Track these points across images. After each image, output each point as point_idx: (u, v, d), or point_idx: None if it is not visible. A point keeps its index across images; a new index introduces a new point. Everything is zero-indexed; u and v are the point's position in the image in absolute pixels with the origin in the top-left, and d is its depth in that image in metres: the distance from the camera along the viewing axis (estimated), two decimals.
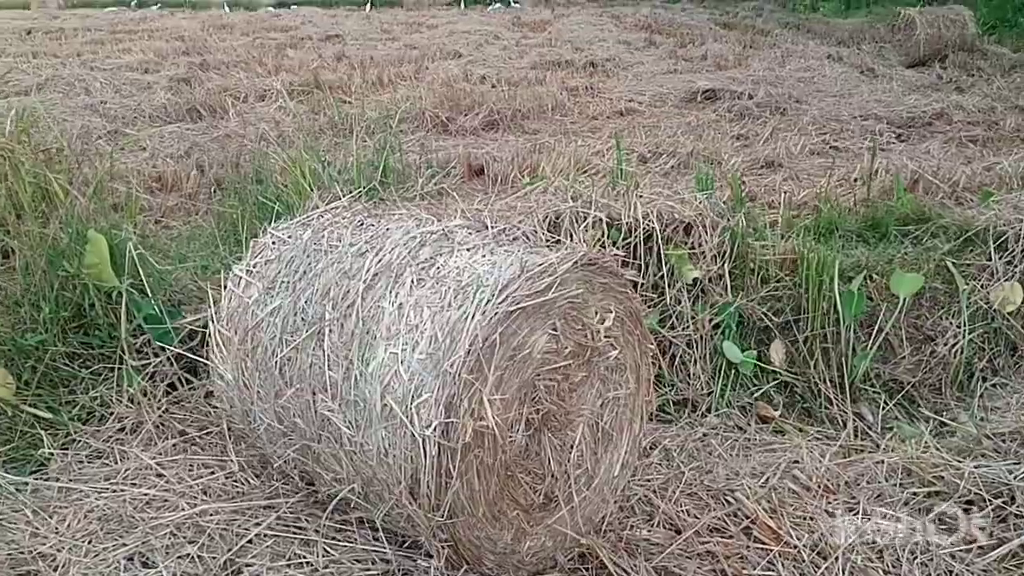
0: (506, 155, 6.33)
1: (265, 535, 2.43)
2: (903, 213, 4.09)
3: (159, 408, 2.94)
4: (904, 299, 3.36)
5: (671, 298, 3.34)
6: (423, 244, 2.42)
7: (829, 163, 6.39)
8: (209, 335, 2.61)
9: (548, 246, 2.90)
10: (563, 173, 5.47)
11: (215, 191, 5.24)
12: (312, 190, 3.53)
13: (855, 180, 5.52)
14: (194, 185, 5.44)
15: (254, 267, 2.62)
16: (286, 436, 2.43)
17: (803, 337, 3.42)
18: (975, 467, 2.63)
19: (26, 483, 2.64)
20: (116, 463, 2.78)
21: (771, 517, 2.56)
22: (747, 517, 2.57)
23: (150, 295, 2.92)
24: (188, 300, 3.00)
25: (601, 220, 3.21)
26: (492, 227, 2.74)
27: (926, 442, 2.87)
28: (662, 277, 3.31)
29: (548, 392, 2.25)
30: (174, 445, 2.86)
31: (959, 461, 2.70)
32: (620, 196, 3.42)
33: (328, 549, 2.37)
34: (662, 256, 3.31)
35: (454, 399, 1.98)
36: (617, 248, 3.26)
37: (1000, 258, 3.69)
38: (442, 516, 2.00)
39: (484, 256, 2.33)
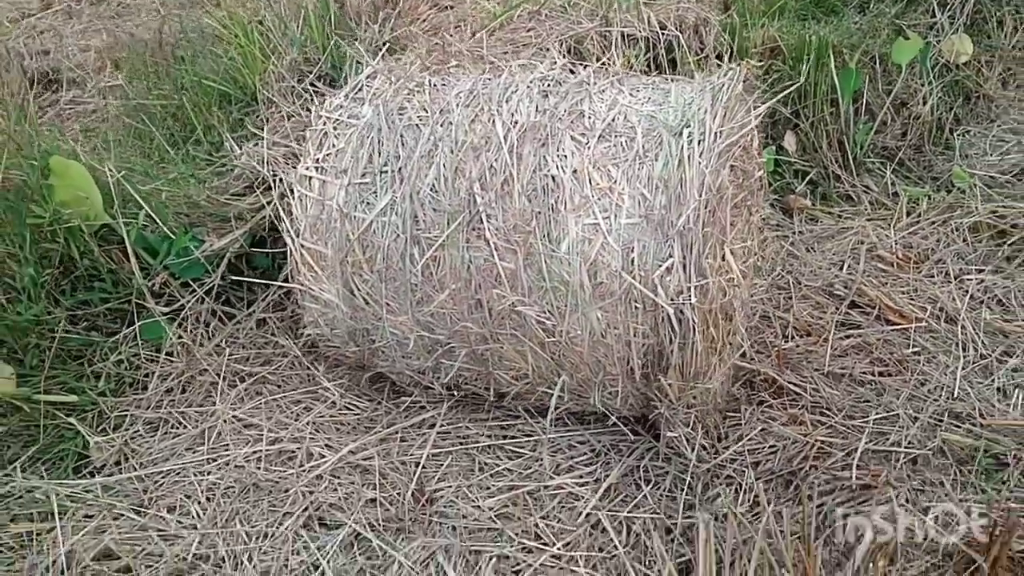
0: None
1: (436, 455, 2.16)
2: None
3: (210, 353, 2.43)
4: (901, 68, 3.44)
5: None
6: (546, 95, 2.07)
7: None
8: (290, 254, 2.14)
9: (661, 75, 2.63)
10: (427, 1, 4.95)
11: (51, 89, 4.22)
12: (268, 57, 2.90)
13: None
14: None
15: (324, 160, 2.13)
16: (444, 344, 2.10)
17: (809, 123, 3.44)
18: None
19: (93, 484, 2.12)
20: (187, 428, 2.31)
21: (887, 296, 2.64)
22: (867, 305, 2.64)
23: (161, 224, 2.31)
24: (200, 222, 2.42)
25: (625, 37, 2.92)
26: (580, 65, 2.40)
27: (973, 193, 3.05)
28: None
29: (732, 225, 2.09)
30: (246, 390, 2.41)
31: (1006, 202, 2.90)
32: (627, 8, 3.12)
33: (516, 450, 2.15)
34: (677, 65, 3.11)
35: (701, 258, 1.77)
36: (640, 64, 3.01)
37: (943, 13, 3.85)
38: (703, 383, 1.84)
39: (632, 95, 2.03)
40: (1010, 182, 3.10)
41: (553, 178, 1.90)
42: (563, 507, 1.99)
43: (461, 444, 2.18)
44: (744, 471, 2.06)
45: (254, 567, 1.88)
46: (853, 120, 3.47)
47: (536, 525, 1.92)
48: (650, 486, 2.03)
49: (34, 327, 2.22)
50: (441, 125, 2.05)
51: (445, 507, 2.02)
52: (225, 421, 2.30)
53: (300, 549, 1.92)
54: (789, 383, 2.35)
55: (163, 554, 1.90)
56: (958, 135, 3.68)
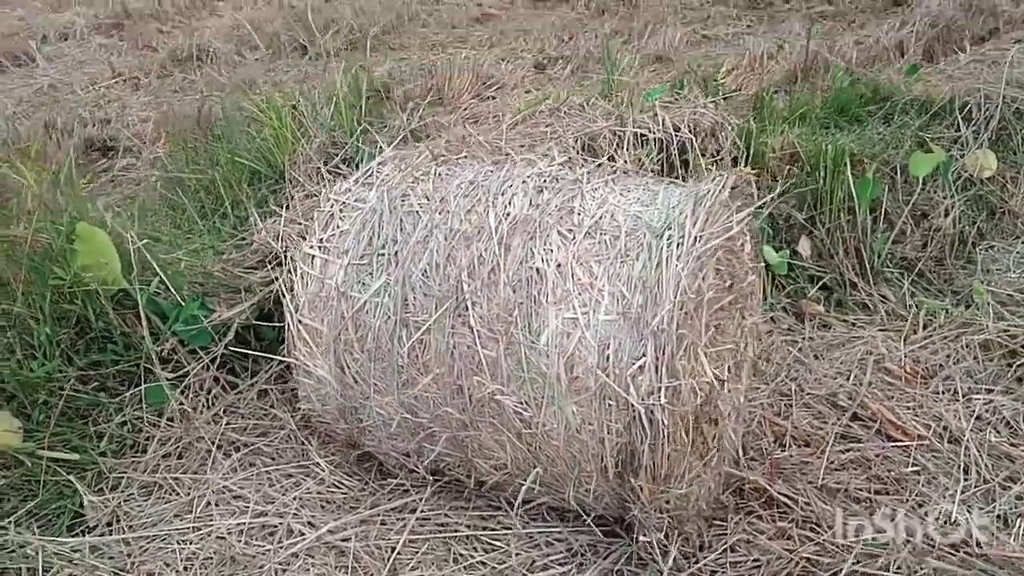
0: (402, 75, 5.90)
1: (413, 541, 2.16)
2: (862, 94, 4.19)
3: (209, 421, 2.49)
4: (920, 180, 3.46)
5: None
6: (540, 190, 2.14)
7: (712, 53, 6.51)
8: (287, 329, 2.21)
9: (662, 177, 2.70)
10: (470, 91, 5.17)
11: (106, 156, 4.49)
12: (296, 141, 3.06)
13: (749, 68, 5.64)
14: (56, 151, 4.60)
15: (327, 241, 2.22)
16: (425, 428, 2.12)
17: (825, 229, 3.45)
18: None
19: (82, 544, 2.17)
20: (178, 495, 2.35)
21: (891, 411, 2.59)
22: (869, 419, 2.59)
23: (174, 292, 2.42)
24: (213, 292, 2.52)
25: (639, 136, 3.02)
26: (590, 160, 2.48)
27: (986, 311, 3.00)
28: None
29: (716, 331, 2.10)
30: (240, 460, 2.46)
31: (1020, 322, 2.85)
32: (644, 108, 3.23)
33: (493, 543, 2.13)
34: (693, 169, 3.18)
35: (673, 359, 1.78)
36: (652, 163, 3.09)
37: (967, 127, 3.88)
38: (676, 487, 1.83)
39: (623, 195, 2.09)
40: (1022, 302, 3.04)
41: (537, 270, 1.95)
42: None
43: (440, 532, 2.18)
44: None
45: None
46: (871, 229, 3.48)
47: None
48: None
49: (45, 384, 2.32)
50: (439, 213, 2.14)
51: None
52: (215, 491, 2.34)
53: None
54: (780, 494, 2.29)
55: None
56: (981, 250, 3.65)
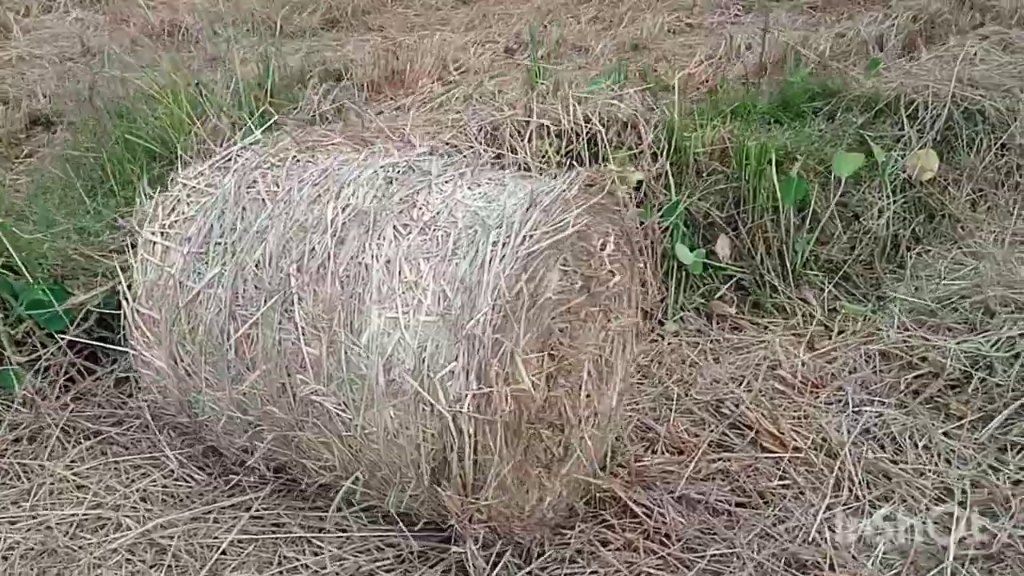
0: (364, 57, 5.77)
1: (241, 541, 2.08)
2: (809, 89, 4.05)
3: (61, 407, 2.42)
4: (843, 179, 3.33)
5: None
6: (390, 181, 2.04)
7: (691, 42, 6.33)
8: (123, 316, 2.13)
9: (528, 169, 2.60)
10: (431, 74, 5.05)
11: (49, 130, 4.40)
12: (192, 122, 2.96)
13: (725, 58, 5.47)
14: (5, 125, 4.53)
15: (170, 227, 2.14)
16: (254, 426, 2.04)
17: (746, 229, 3.34)
18: (957, 344, 2.67)
19: None
20: (20, 482, 2.28)
21: (770, 421, 2.50)
22: (747, 427, 2.50)
23: (26, 274, 2.34)
24: (72, 274, 2.44)
25: (545, 128, 2.91)
26: (454, 152, 2.38)
27: (891, 321, 2.90)
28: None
29: (562, 335, 2.00)
30: (89, 448, 2.39)
31: (931, 339, 2.74)
32: (553, 98, 3.12)
33: (321, 546, 2.06)
34: (605, 161, 3.07)
35: (486, 365, 1.69)
36: (560, 156, 2.98)
37: (912, 126, 3.74)
38: (484, 498, 1.74)
39: (471, 189, 1.99)
40: (937, 311, 2.92)
41: (366, 267, 1.85)
42: None
43: (272, 532, 2.10)
44: None
45: None
46: (795, 229, 3.36)
47: None
48: None
49: None
50: (284, 203, 2.04)
51: None
52: (58, 479, 2.27)
53: None
54: (636, 503, 2.21)
55: None
56: (914, 254, 3.52)
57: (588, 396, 2.22)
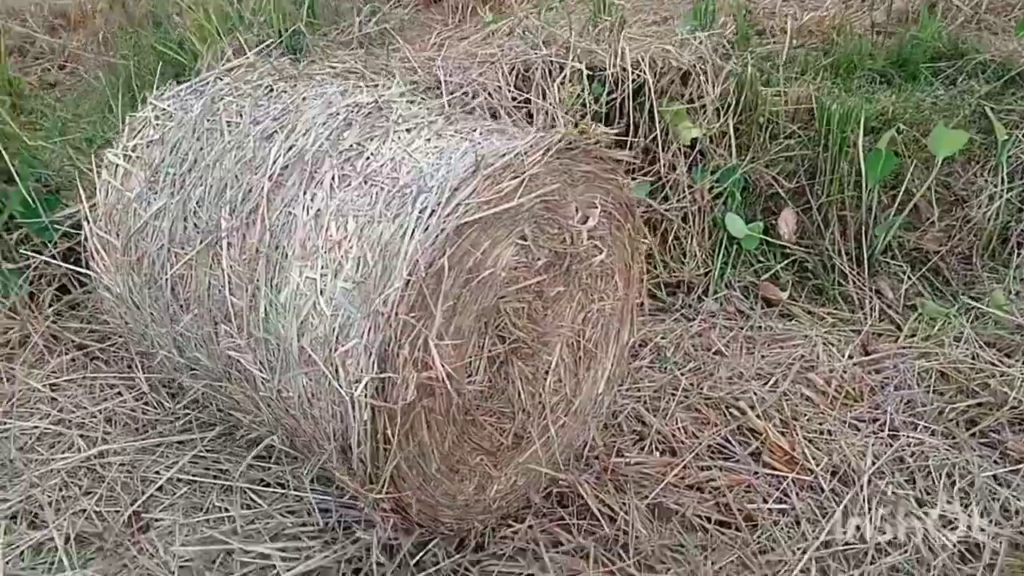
0: None
1: (179, 480, 2.02)
2: (934, 47, 3.46)
3: (47, 318, 2.43)
4: (940, 159, 2.83)
5: (665, 164, 2.78)
6: (349, 123, 1.83)
7: None
8: (83, 238, 2.07)
9: (515, 119, 2.33)
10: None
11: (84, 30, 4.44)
12: (220, 37, 2.84)
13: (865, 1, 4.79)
14: (102, 20, 4.60)
15: (133, 150, 2.03)
16: (191, 369, 1.95)
17: (817, 204, 2.92)
18: None
19: None
20: (5, 385, 2.31)
21: (783, 433, 2.18)
22: (755, 434, 2.19)
23: (18, 179, 2.33)
24: (70, 185, 2.41)
25: (581, 71, 2.59)
26: (442, 92, 2.14)
27: (960, 333, 2.46)
28: (655, 139, 2.74)
29: (517, 316, 1.77)
30: (72, 360, 2.39)
31: (1004, 362, 2.30)
32: (604, 38, 2.78)
33: (254, 500, 1.96)
34: (655, 114, 2.72)
35: (390, 347, 1.49)
36: (600, 104, 2.66)
37: None
38: (381, 488, 1.57)
39: (429, 141, 1.76)
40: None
41: (295, 216, 1.68)
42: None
43: (212, 477, 2.02)
44: None
45: None
46: (879, 210, 2.91)
47: None
48: None
49: None
50: (242, 135, 1.88)
51: (158, 539, 1.88)
52: (32, 389, 2.29)
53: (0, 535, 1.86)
54: (601, 507, 1.98)
55: None
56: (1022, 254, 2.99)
57: (559, 381, 1.98)
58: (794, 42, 3.67)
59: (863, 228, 2.90)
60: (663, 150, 2.77)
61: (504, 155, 1.61)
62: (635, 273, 2.11)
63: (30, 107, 2.85)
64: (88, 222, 2.03)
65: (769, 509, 2.00)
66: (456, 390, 1.65)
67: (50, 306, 2.46)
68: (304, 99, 1.95)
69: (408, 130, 1.80)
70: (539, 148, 1.64)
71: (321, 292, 1.60)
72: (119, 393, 2.30)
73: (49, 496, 1.96)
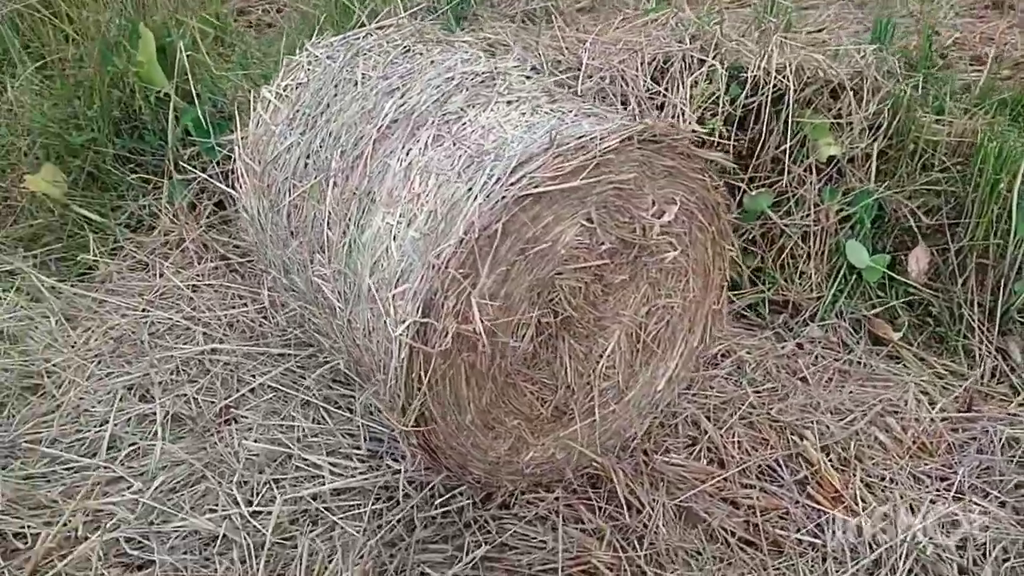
0: None
1: (267, 387, 2.28)
2: None
3: (202, 227, 2.78)
4: None
5: (794, 177, 2.72)
6: (462, 88, 1.98)
7: None
8: (234, 159, 2.36)
9: (644, 109, 2.38)
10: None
11: None
12: None
13: None
14: None
15: (284, 90, 2.28)
16: (291, 291, 2.19)
17: (956, 247, 2.74)
18: None
19: (61, 289, 2.60)
20: (156, 279, 2.69)
21: (838, 471, 2.12)
22: (808, 464, 2.14)
23: (196, 103, 2.68)
24: (246, 111, 2.73)
25: (718, 70, 2.58)
26: (551, 69, 2.23)
27: None
28: (787, 150, 2.68)
29: (572, 294, 1.85)
30: (214, 268, 2.73)
31: None
32: (760, 38, 2.74)
33: (323, 417, 2.19)
34: (789, 123, 2.66)
35: (436, 296, 1.63)
36: (737, 107, 2.64)
37: None
38: (408, 423, 1.72)
39: (524, 115, 1.87)
40: None
41: (389, 167, 1.85)
42: (296, 481, 2.01)
43: (295, 390, 2.27)
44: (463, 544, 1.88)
45: (64, 390, 2.21)
46: (1021, 267, 2.69)
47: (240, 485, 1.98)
48: (379, 502, 1.95)
49: (83, 151, 2.74)
50: (368, 88, 2.08)
51: (237, 432, 2.15)
52: (179, 285, 2.64)
53: (108, 401, 2.21)
54: (630, 496, 2.03)
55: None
56: None
57: (612, 368, 2.05)
58: (993, 73, 3.42)
59: (1003, 281, 2.69)
60: (794, 162, 2.71)
61: (581, 137, 1.69)
62: (715, 278, 2.12)
63: (230, 41, 3.22)
64: (238, 147, 2.32)
65: (799, 539, 1.97)
66: (497, 350, 1.77)
67: (207, 218, 2.81)
68: (432, 62, 2.12)
69: (509, 102, 1.92)
70: (617, 135, 1.71)
71: (395, 238, 1.76)
72: (245, 303, 2.61)
73: (162, 378, 2.28)
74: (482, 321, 1.65)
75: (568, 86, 2.44)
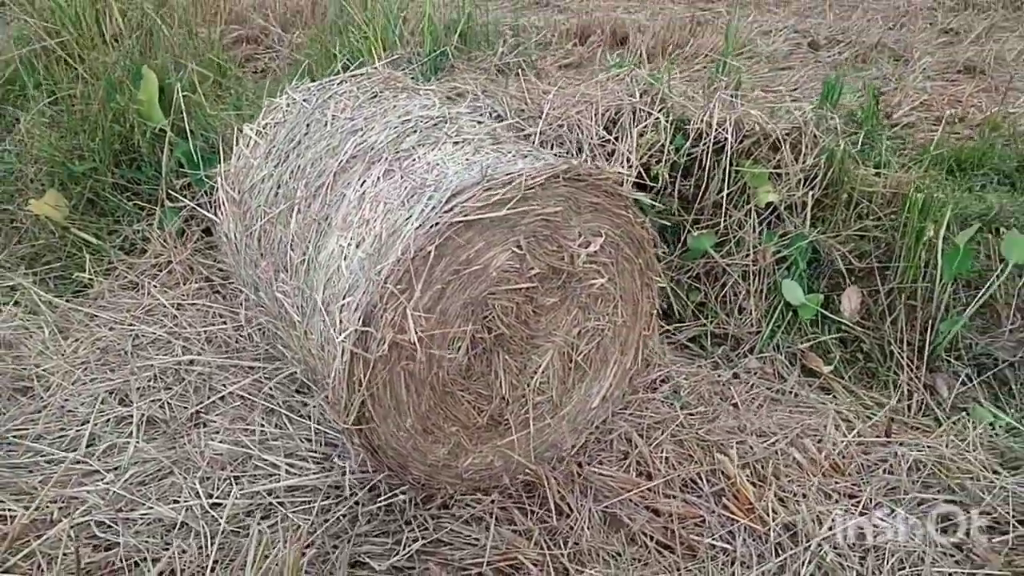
0: (656, 25, 5.79)
1: (236, 395, 2.49)
2: None
3: (189, 251, 3.02)
4: (1011, 264, 2.77)
5: (735, 220, 2.94)
6: (416, 130, 2.23)
7: None
8: (215, 190, 2.61)
9: (595, 155, 2.62)
10: (709, 57, 4.92)
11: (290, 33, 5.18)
12: (382, 48, 3.36)
13: None
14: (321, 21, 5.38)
15: (264, 128, 2.54)
16: (260, 307, 2.42)
17: (887, 289, 2.95)
18: (1017, 483, 2.20)
19: (57, 303, 2.83)
20: (144, 297, 2.92)
21: (755, 486, 2.29)
22: (727, 479, 2.32)
23: (189, 138, 2.94)
24: (232, 147, 3.00)
25: (661, 122, 2.83)
26: (498, 114, 2.49)
27: (975, 437, 2.44)
28: (728, 196, 2.91)
29: (504, 313, 2.07)
30: (198, 288, 2.96)
31: (998, 471, 2.27)
32: (707, 94, 3.00)
33: (284, 422, 2.39)
34: (727, 172, 2.89)
35: (375, 308, 1.85)
36: (680, 155, 2.88)
37: None
38: (350, 421, 1.92)
39: (467, 154, 2.11)
40: None
41: (344, 196, 2.09)
42: (254, 478, 2.20)
43: (261, 399, 2.47)
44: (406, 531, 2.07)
45: (52, 393, 2.43)
46: (953, 307, 2.89)
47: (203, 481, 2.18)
48: (328, 499, 2.14)
49: (85, 180, 3.00)
50: (334, 127, 2.34)
51: (204, 435, 2.36)
52: (165, 303, 2.88)
53: (89, 404, 2.42)
54: (560, 501, 2.22)
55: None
56: None
57: (546, 383, 2.25)
58: (955, 133, 3.67)
59: (931, 321, 2.89)
60: (736, 207, 2.94)
61: (510, 173, 1.92)
62: (644, 306, 2.33)
63: (228, 85, 3.51)
64: (220, 178, 2.57)
65: (712, 544, 2.14)
66: (434, 360, 1.98)
67: (194, 242, 3.05)
68: (394, 107, 2.38)
69: (455, 143, 2.16)
70: (543, 172, 1.94)
71: (345, 258, 1.99)
72: (224, 321, 2.84)
73: (140, 384, 2.50)
74: (416, 332, 1.86)
75: (524, 131, 2.69)
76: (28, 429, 2.31)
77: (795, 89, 4.29)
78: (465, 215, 1.86)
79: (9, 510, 2.03)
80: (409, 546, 2.06)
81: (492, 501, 2.21)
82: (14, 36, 3.45)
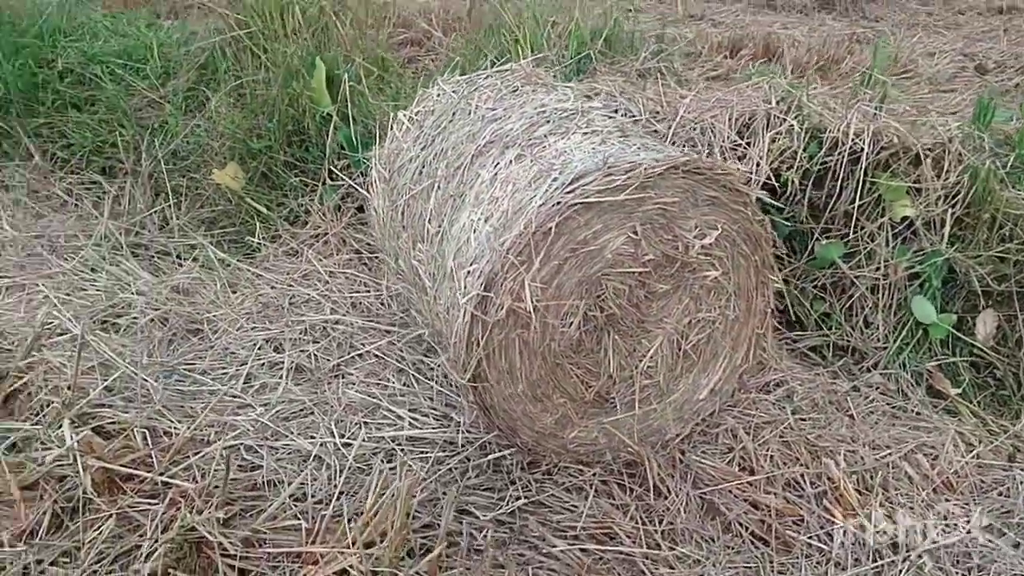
0: (812, 40, 5.72)
1: (373, 354, 2.74)
2: None
3: (344, 225, 3.33)
4: None
5: (867, 233, 2.91)
6: (549, 120, 2.40)
7: None
8: (371, 170, 2.88)
9: (726, 157, 2.70)
10: (865, 74, 4.82)
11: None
12: (530, 49, 3.56)
13: None
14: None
15: (416, 115, 2.79)
16: (399, 274, 2.66)
17: None
18: None
19: (229, 262, 3.21)
20: (302, 263, 3.25)
21: (860, 494, 2.29)
22: (832, 482, 2.33)
23: (351, 123, 3.25)
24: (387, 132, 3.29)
25: (795, 129, 2.85)
26: (631, 113, 2.60)
27: None
28: (861, 207, 2.89)
29: (617, 295, 2.19)
30: (348, 259, 3.26)
31: None
32: (847, 104, 2.99)
33: (412, 381, 2.61)
34: (861, 182, 2.87)
35: (496, 276, 2.02)
36: (812, 165, 2.89)
37: None
38: (467, 378, 2.10)
39: (595, 144, 2.25)
40: None
41: (479, 176, 2.28)
42: (380, 426, 2.43)
43: (394, 359, 2.71)
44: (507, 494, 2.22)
45: (218, 336, 2.77)
46: None
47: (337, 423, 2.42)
48: (444, 452, 2.34)
49: (260, 156, 3.38)
50: (474, 117, 2.55)
51: (343, 385, 2.62)
52: (319, 269, 3.19)
53: (248, 348, 2.74)
54: (659, 483, 2.31)
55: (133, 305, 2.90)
56: None
57: (654, 368, 2.35)
58: None
59: None
60: (868, 219, 2.91)
61: (632, 162, 2.05)
62: (758, 304, 2.38)
63: (389, 80, 3.82)
64: (375, 159, 2.84)
65: (808, 543, 2.17)
66: (547, 331, 2.13)
67: (348, 218, 3.36)
68: (532, 99, 2.56)
69: (584, 133, 2.31)
70: (663, 163, 2.05)
71: (474, 230, 2.18)
72: (368, 291, 3.11)
73: (292, 336, 2.80)
74: (532, 301, 2.02)
75: (654, 129, 2.80)
76: (196, 364, 2.65)
77: (954, 113, 4.14)
78: (585, 197, 2.00)
79: (175, 428, 2.36)
80: (512, 503, 2.21)
81: (593, 474, 2.33)
82: (212, 27, 3.92)
